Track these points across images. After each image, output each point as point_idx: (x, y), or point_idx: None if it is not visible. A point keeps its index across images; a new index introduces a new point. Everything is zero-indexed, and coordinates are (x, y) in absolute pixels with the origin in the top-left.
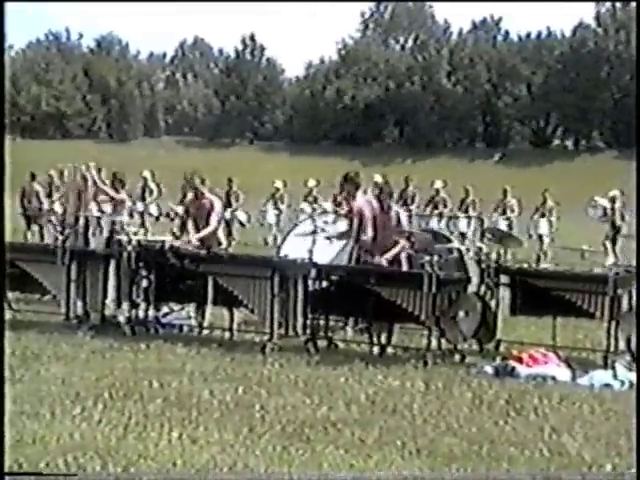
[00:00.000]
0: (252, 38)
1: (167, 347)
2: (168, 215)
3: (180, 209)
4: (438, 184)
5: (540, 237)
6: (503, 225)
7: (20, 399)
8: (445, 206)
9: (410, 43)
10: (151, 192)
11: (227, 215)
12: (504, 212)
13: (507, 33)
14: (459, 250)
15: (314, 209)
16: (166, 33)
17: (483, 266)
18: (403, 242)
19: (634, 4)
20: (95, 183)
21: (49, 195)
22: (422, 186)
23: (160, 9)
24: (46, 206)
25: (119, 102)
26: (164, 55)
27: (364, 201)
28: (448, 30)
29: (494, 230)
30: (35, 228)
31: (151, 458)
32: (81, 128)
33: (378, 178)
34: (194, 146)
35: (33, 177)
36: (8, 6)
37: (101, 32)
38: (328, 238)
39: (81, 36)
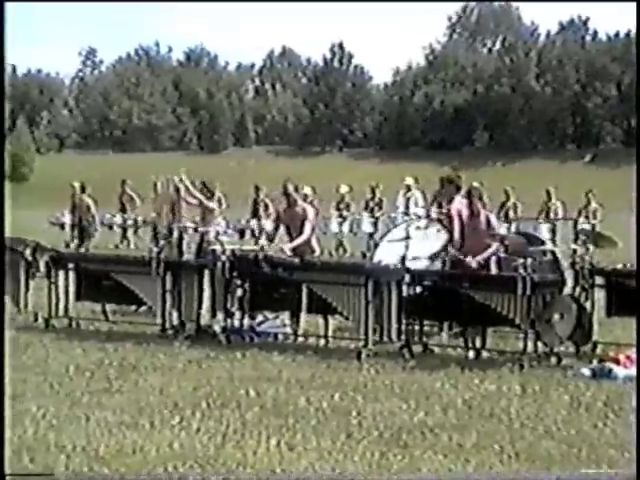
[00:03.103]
0: (340, 46)
1: (263, 355)
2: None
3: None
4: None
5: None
6: (545, 230)
7: (119, 410)
8: (515, 212)
9: (497, 46)
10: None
11: (253, 224)
12: (547, 214)
13: (595, 33)
14: (553, 252)
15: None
16: (254, 44)
17: (577, 268)
18: (496, 245)
19: None
20: (188, 189)
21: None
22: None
23: (248, 20)
24: (97, 218)
25: (209, 113)
26: (252, 66)
27: (461, 204)
28: (536, 32)
29: (588, 232)
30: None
31: (250, 466)
32: (172, 140)
33: (475, 184)
34: (284, 155)
35: (83, 189)
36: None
37: (189, 45)
38: (432, 258)
39: (170, 50)
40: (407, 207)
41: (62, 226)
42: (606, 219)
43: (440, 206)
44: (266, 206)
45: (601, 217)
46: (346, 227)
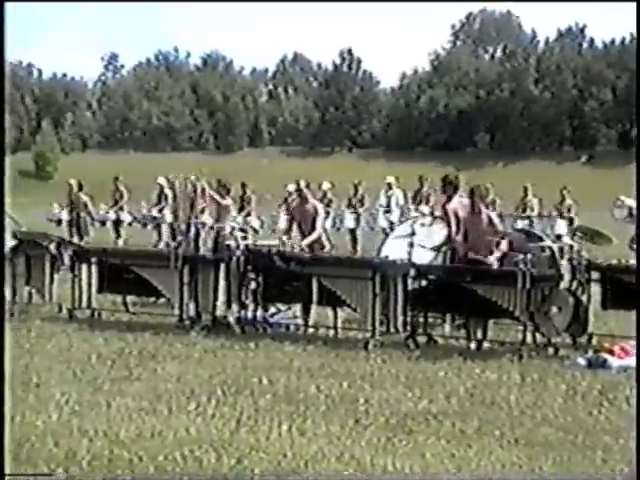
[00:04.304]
0: (349, 52)
1: (275, 345)
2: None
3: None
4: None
5: (559, 237)
6: (520, 225)
7: (138, 396)
8: (532, 209)
9: (499, 52)
10: (167, 199)
11: (240, 220)
12: (524, 211)
13: (592, 40)
14: (551, 248)
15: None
16: (267, 49)
17: (574, 263)
18: (505, 243)
19: None
20: (204, 190)
21: (158, 203)
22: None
23: (262, 26)
24: (95, 216)
25: (225, 115)
26: (266, 70)
27: (458, 203)
28: (535, 39)
29: (585, 228)
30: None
31: (262, 450)
32: (190, 141)
33: (488, 185)
34: (296, 155)
35: (80, 187)
36: (119, 28)
37: (206, 50)
38: (435, 249)
39: (188, 55)
40: (388, 204)
41: (59, 222)
42: (602, 217)
43: (419, 204)
44: (249, 202)
45: (575, 213)
46: (329, 223)
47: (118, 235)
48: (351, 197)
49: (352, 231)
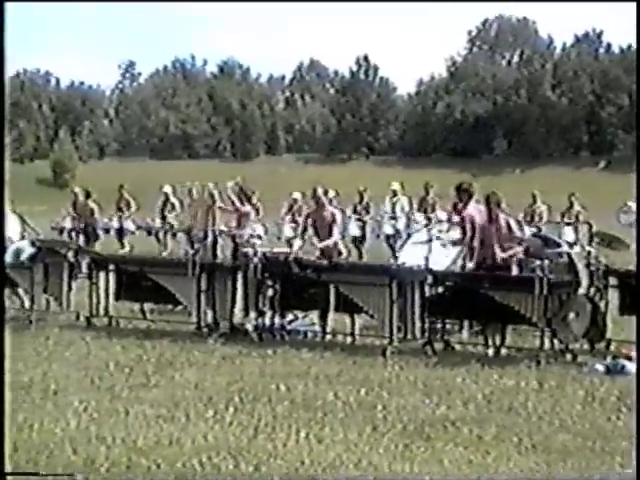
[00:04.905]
0: (366, 59)
1: (293, 352)
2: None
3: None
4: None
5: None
6: (570, 233)
7: (157, 404)
8: (541, 217)
9: (516, 58)
10: (173, 207)
11: (254, 227)
12: (532, 218)
13: (609, 45)
14: (569, 254)
15: (429, 219)
16: (284, 56)
17: (592, 269)
18: (519, 247)
19: None
20: (221, 195)
21: (162, 212)
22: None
23: (278, 33)
24: (101, 224)
25: (242, 123)
26: (283, 77)
27: (475, 209)
28: (552, 44)
29: (602, 234)
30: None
31: (280, 457)
32: (207, 148)
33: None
34: (313, 162)
35: (88, 195)
36: (139, 35)
37: (222, 57)
38: (444, 245)
39: (205, 62)
40: (393, 211)
41: (61, 231)
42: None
43: (425, 211)
44: (257, 210)
45: (584, 219)
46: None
47: (122, 244)
48: (356, 204)
49: (356, 239)
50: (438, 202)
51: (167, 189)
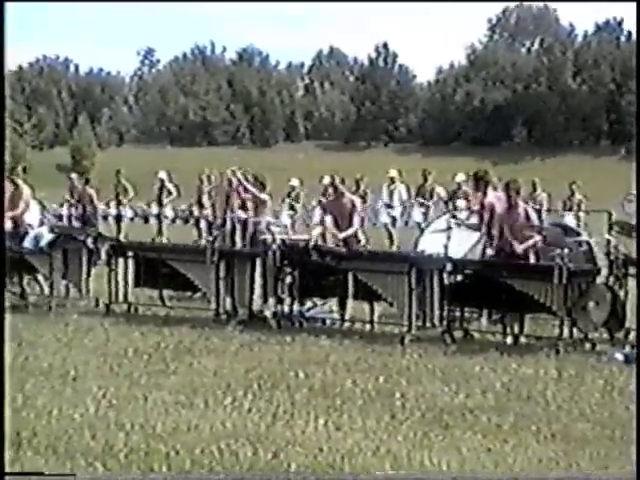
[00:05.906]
0: (385, 46)
1: (311, 339)
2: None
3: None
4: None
5: None
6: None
7: (175, 390)
8: (541, 204)
9: (536, 46)
10: (169, 193)
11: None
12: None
13: (630, 34)
14: (588, 243)
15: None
16: (304, 44)
17: (612, 258)
18: (538, 237)
19: None
20: (240, 183)
21: (159, 198)
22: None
23: (297, 21)
24: (100, 210)
25: (261, 110)
26: (302, 65)
27: (494, 197)
28: (572, 33)
29: (622, 223)
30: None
31: (299, 444)
32: (226, 135)
33: (536, 179)
34: (332, 150)
35: (87, 182)
36: (158, 21)
37: (241, 44)
38: (458, 224)
39: (224, 49)
40: (391, 199)
41: (60, 218)
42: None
43: (424, 198)
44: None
45: (585, 208)
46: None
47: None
48: (353, 193)
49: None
50: (436, 189)
51: (162, 175)
